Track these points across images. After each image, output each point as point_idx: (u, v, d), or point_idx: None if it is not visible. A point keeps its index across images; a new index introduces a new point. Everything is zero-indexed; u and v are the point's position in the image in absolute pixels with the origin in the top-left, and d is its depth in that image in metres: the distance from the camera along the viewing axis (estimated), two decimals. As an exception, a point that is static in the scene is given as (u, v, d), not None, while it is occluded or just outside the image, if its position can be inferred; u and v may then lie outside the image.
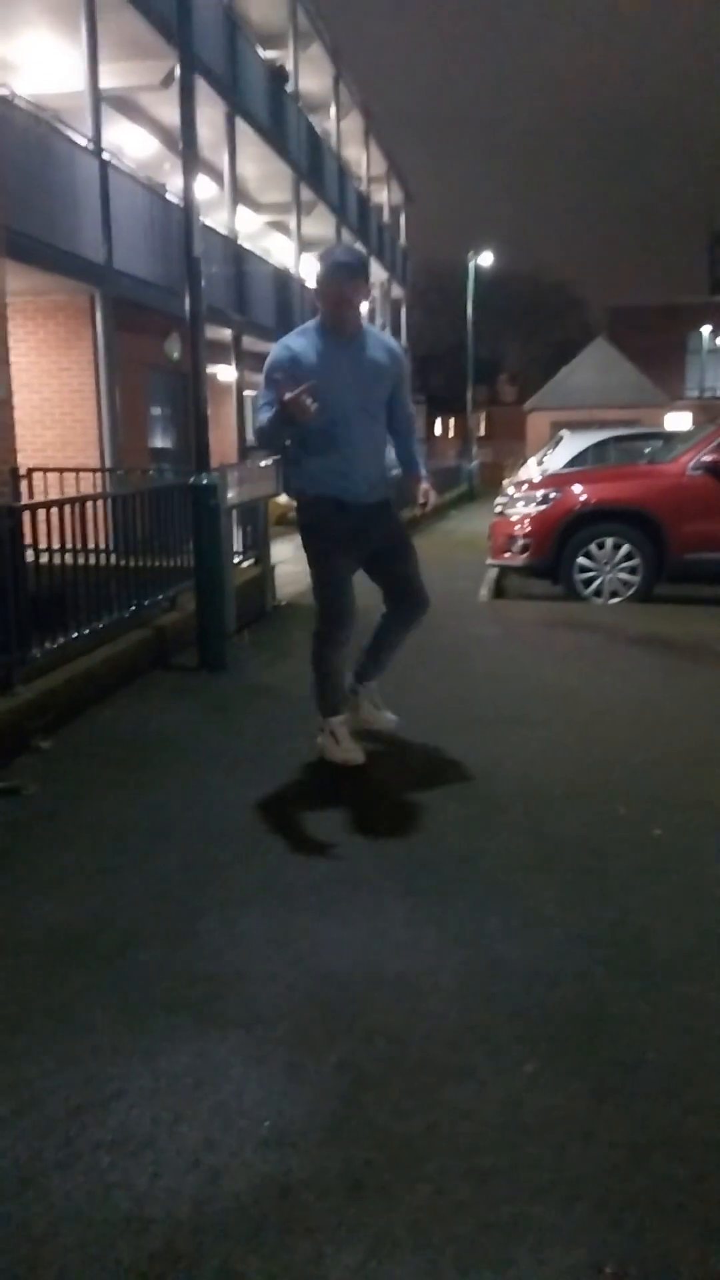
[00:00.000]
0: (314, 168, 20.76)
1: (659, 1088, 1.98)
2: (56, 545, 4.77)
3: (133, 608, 5.47)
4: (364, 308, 3.71)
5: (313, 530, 3.76)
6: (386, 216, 30.17)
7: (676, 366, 45.65)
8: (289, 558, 10.73)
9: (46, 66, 12.00)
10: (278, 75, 18.22)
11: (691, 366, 46.35)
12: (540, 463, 12.75)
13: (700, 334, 45.04)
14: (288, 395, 3.35)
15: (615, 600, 7.75)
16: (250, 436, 18.68)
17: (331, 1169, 1.78)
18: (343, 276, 3.56)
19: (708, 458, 7.63)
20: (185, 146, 5.52)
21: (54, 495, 6.73)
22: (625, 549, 7.75)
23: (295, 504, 3.84)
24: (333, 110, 22.17)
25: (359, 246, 17.22)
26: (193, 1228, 1.65)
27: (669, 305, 47.46)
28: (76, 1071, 2.05)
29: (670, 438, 10.87)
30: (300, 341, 3.66)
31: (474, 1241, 1.62)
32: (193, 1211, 1.68)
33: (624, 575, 7.78)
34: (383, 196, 29.60)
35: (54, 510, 4.79)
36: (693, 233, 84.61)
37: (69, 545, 4.83)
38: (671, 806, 3.42)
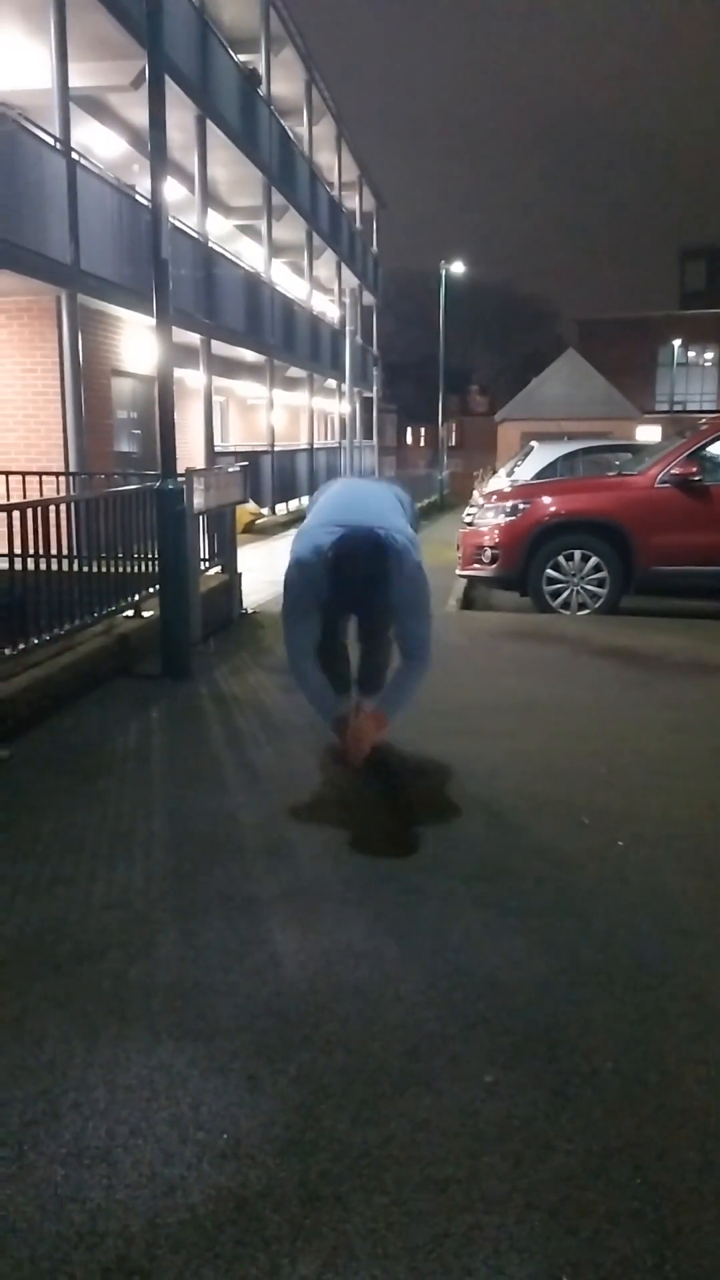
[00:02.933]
0: (285, 172, 20.76)
1: (617, 1097, 1.99)
2: (18, 549, 4.72)
3: (95, 614, 5.42)
4: None
5: None
6: (358, 223, 30.24)
7: (646, 379, 46.13)
8: (256, 565, 10.70)
9: (13, 63, 11.89)
10: (250, 79, 18.19)
11: (661, 379, 46.85)
12: (510, 474, 12.76)
13: (670, 347, 45.57)
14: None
15: (583, 612, 7.79)
16: (219, 441, 18.62)
17: (288, 1180, 1.77)
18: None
19: (676, 470, 7.67)
20: (154, 148, 5.48)
21: (16, 498, 6.69)
22: (593, 561, 7.80)
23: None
24: (305, 115, 22.20)
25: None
26: (147, 1241, 1.64)
27: (639, 318, 47.99)
28: (31, 1084, 2.03)
29: (639, 450, 10.91)
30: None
31: (430, 1252, 1.62)
32: (147, 1225, 1.67)
33: (591, 587, 7.82)
34: (354, 203, 29.68)
35: (16, 513, 4.74)
36: (663, 246, 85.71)
37: (31, 549, 4.79)
38: (634, 818, 3.45)
